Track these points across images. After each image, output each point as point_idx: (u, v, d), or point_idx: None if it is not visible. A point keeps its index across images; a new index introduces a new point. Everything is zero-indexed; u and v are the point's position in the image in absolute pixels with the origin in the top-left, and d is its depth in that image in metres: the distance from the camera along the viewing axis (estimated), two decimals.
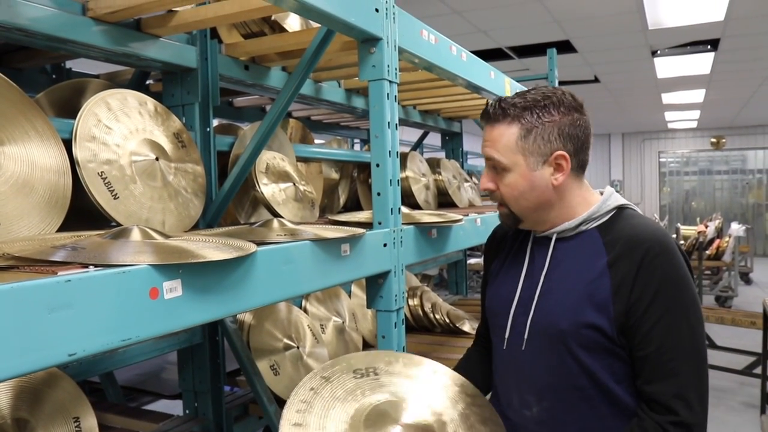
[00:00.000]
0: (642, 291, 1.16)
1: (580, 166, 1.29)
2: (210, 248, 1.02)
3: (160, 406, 2.54)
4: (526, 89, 1.30)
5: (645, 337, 1.16)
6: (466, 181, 3.79)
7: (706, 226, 9.25)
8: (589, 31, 5.89)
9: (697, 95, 9.65)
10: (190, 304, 0.93)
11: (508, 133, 1.24)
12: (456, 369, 1.45)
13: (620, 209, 1.29)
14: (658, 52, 6.78)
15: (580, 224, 1.27)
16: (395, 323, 1.61)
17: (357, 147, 4.70)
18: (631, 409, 1.20)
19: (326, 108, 2.99)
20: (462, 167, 3.98)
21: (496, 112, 1.26)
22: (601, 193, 1.32)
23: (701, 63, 7.24)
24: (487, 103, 1.30)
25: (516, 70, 7.21)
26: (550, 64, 4.16)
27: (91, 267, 0.83)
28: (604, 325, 1.18)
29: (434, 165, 3.48)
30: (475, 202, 3.70)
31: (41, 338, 0.72)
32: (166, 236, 1.13)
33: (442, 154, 4.18)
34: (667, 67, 7.46)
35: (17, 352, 0.70)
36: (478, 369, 1.50)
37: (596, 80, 8.38)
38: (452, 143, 4.18)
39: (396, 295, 1.61)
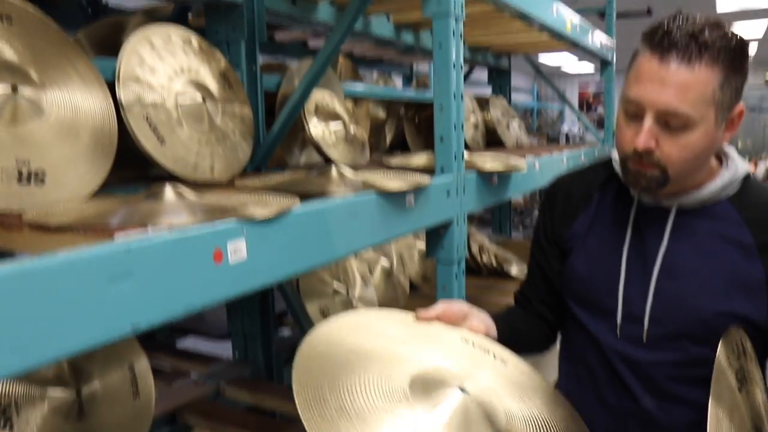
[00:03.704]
0: None
1: None
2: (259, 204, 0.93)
3: (194, 344, 2.55)
4: (694, 15, 0.95)
5: None
6: (514, 119, 3.63)
7: (756, 165, 8.91)
8: None
9: (758, 28, 9.07)
10: (255, 266, 0.86)
11: (706, 80, 0.94)
12: (498, 319, 1.15)
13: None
14: None
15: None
16: (456, 274, 1.53)
17: (399, 83, 4.53)
18: None
19: (370, 44, 2.84)
20: (509, 104, 3.82)
21: (696, 49, 0.93)
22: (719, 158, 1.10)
23: None
24: (667, 30, 0.94)
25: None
26: None
27: (149, 227, 0.76)
28: (756, 316, 1.03)
29: (483, 103, 3.32)
30: (522, 141, 3.55)
31: (103, 310, 0.65)
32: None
33: (486, 91, 4.01)
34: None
35: (79, 325, 0.63)
36: (523, 328, 1.26)
37: (649, 13, 7.89)
38: (500, 80, 3.99)
39: (458, 245, 1.52)
